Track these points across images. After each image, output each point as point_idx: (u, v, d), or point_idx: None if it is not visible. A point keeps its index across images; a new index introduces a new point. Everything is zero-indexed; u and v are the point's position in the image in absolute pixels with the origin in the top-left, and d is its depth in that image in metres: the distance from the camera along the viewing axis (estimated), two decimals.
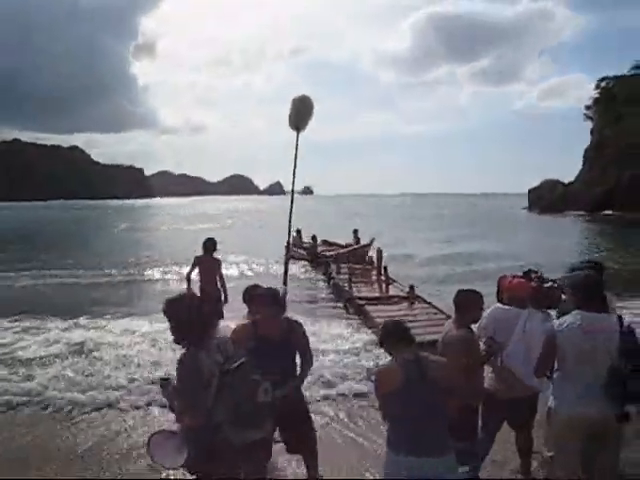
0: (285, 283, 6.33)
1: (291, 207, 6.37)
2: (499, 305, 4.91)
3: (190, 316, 3.39)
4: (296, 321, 4.63)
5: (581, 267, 4.99)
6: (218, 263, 9.42)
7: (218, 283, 9.25)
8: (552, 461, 4.07)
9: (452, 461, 3.51)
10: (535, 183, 77.29)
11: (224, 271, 9.68)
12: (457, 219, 58.95)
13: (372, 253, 19.53)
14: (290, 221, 6.40)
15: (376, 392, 3.63)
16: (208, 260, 9.37)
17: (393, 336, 3.72)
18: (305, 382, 4.71)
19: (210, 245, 9.45)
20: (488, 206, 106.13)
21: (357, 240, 22.23)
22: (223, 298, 9.32)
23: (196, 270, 9.46)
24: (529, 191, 77.71)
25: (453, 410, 3.66)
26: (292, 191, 6.55)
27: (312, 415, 4.89)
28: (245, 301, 4.93)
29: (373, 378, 3.70)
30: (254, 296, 4.69)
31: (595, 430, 3.88)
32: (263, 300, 4.41)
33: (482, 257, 23.42)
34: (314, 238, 22.24)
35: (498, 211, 79.61)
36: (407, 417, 3.49)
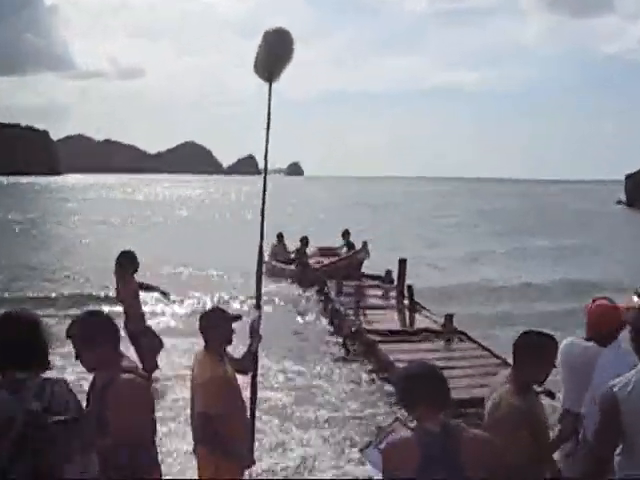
0: (258, 306, 6.36)
1: (263, 196, 6.33)
2: (573, 339, 5.01)
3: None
4: None
5: None
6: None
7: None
8: None
9: None
10: (636, 166, 77.78)
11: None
12: (510, 218, 59.03)
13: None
14: (263, 216, 6.37)
15: (383, 474, 3.66)
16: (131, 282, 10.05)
17: (418, 390, 3.68)
18: None
19: (127, 262, 9.96)
20: (561, 200, 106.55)
21: (349, 246, 22.69)
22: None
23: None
24: (627, 177, 78.11)
25: None
26: (265, 171, 6.55)
27: None
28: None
29: (381, 449, 3.71)
30: None
31: None
32: None
33: (555, 284, 23.55)
34: (304, 241, 22.36)
35: (577, 207, 79.26)
36: None
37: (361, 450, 4.23)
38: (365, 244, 21.34)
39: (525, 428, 4.37)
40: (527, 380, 4.52)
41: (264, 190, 6.30)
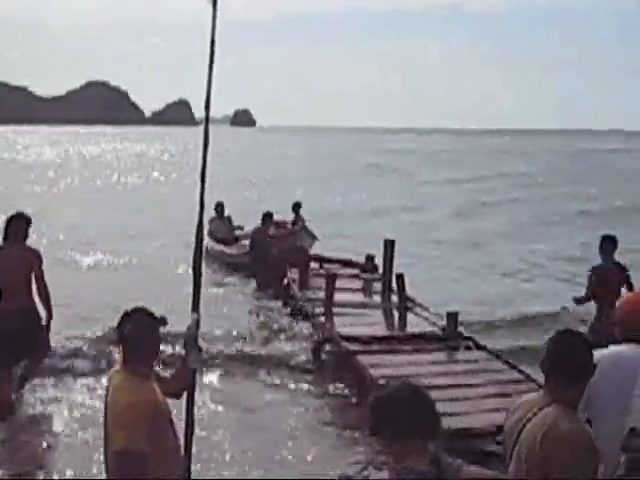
0: (196, 308, 6.35)
1: (204, 154, 6.31)
2: (615, 349, 5.14)
3: None
4: None
5: None
6: (37, 259, 10.90)
7: (35, 292, 10.74)
8: None
9: None
10: None
11: None
12: (536, 182, 60.46)
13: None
14: (203, 181, 6.35)
15: None
16: (16, 253, 10.81)
17: (393, 418, 3.73)
18: None
19: (16, 227, 10.87)
20: (599, 155, 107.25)
21: (296, 221, 23.20)
22: (46, 317, 10.63)
23: None
24: None
25: None
26: (206, 119, 6.53)
27: None
28: None
29: None
30: None
31: None
32: None
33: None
34: (266, 217, 22.53)
35: (617, 163, 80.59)
36: None
37: None
38: (302, 223, 22.02)
39: (594, 464, 4.38)
40: (575, 399, 4.55)
41: (205, 146, 6.27)
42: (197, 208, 6.15)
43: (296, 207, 23.55)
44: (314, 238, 22.04)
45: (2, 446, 9.87)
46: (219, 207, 24.09)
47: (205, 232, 22.52)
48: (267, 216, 21.98)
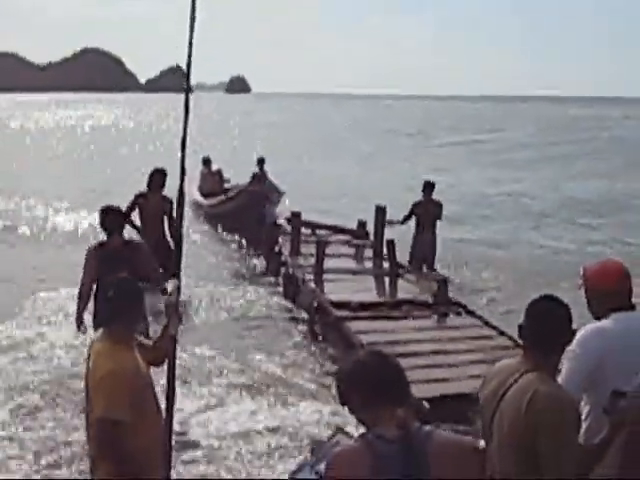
0: (177, 274, 6.33)
1: (185, 119, 6.30)
2: (595, 325, 5.06)
3: None
4: None
5: None
6: (169, 204, 13.96)
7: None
8: None
9: None
10: None
11: None
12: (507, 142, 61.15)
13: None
14: (184, 145, 6.33)
15: None
16: (155, 199, 14.15)
17: (360, 386, 3.70)
18: None
19: (156, 179, 14.39)
20: (599, 120, 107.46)
21: (259, 176, 23.23)
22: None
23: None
24: None
25: None
26: (187, 84, 6.49)
27: None
28: None
29: (321, 468, 3.74)
30: None
31: None
32: None
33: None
34: (259, 172, 22.62)
35: (604, 131, 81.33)
36: None
37: (292, 473, 4.22)
38: (261, 173, 22.54)
39: (577, 428, 4.42)
40: (554, 365, 4.56)
41: (186, 113, 6.25)
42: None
43: (260, 162, 23.95)
44: (280, 192, 22.75)
45: None
46: (206, 162, 24.14)
47: (195, 187, 23.20)
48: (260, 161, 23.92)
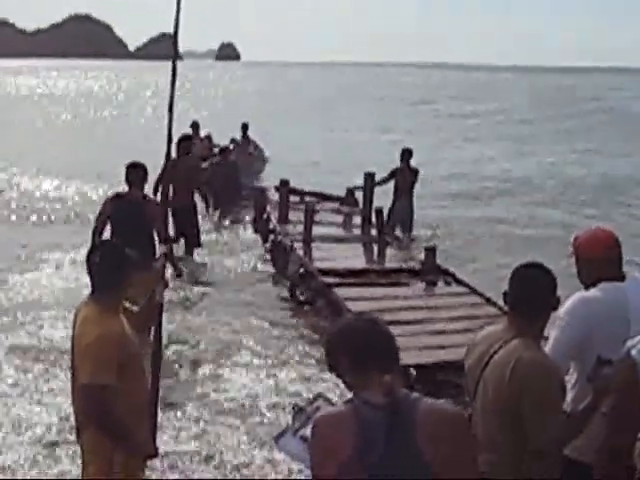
0: (165, 239, 6.34)
1: (172, 86, 6.28)
2: (583, 294, 5.05)
3: None
4: None
5: None
6: (196, 170, 16.42)
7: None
8: None
9: None
10: None
11: None
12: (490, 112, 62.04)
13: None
14: (171, 111, 6.32)
15: (311, 458, 3.68)
16: (184, 165, 15.17)
17: (348, 350, 3.68)
18: None
19: (184, 146, 15.45)
20: (586, 91, 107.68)
21: (245, 143, 23.88)
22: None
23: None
24: None
25: None
26: (175, 51, 6.49)
27: None
28: None
29: (307, 432, 3.73)
30: None
31: None
32: None
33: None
34: (242, 138, 22.63)
35: (592, 101, 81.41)
36: None
37: (275, 440, 4.22)
38: (244, 138, 23.31)
39: (560, 394, 4.45)
40: (538, 332, 4.57)
41: (173, 77, 6.25)
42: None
43: (244, 128, 24.26)
44: (264, 159, 24.19)
45: None
46: (194, 126, 24.07)
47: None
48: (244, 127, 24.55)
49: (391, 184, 17.77)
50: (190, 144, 15.95)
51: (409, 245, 15.73)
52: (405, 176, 17.43)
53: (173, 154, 7.64)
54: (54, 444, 8.07)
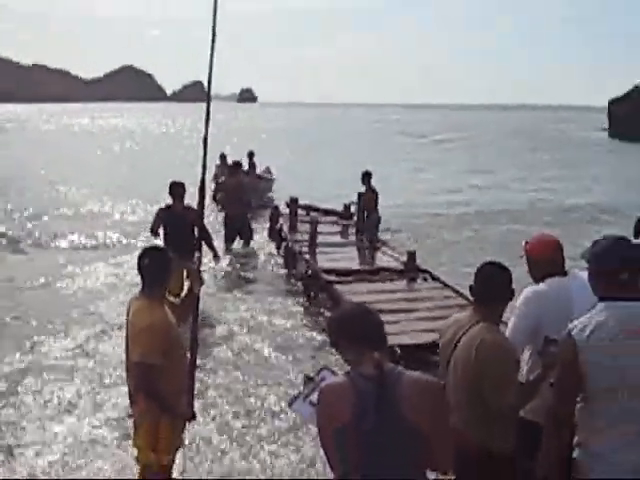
0: (199, 248, 6.36)
1: (206, 123, 6.26)
2: (534, 287, 5.07)
3: None
4: None
5: None
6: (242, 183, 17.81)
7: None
8: None
9: None
10: (620, 91, 77.96)
11: None
12: (485, 147, 60.14)
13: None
14: (205, 144, 6.31)
15: (317, 420, 3.68)
16: (234, 179, 17.60)
17: (346, 333, 3.71)
18: None
19: (238, 162, 18.17)
20: (542, 126, 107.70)
21: (251, 167, 23.48)
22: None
23: None
24: (610, 103, 78.40)
25: (449, 460, 3.69)
26: (208, 95, 6.45)
27: None
28: None
29: (315, 397, 3.75)
30: None
31: None
32: None
33: (524, 209, 24.51)
34: (248, 162, 22.73)
35: (558, 134, 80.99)
36: (352, 465, 3.53)
37: (289, 404, 4.25)
38: (251, 163, 22.75)
39: (515, 369, 4.51)
40: (498, 318, 4.63)
41: (207, 116, 6.22)
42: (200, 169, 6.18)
43: (250, 155, 23.99)
44: (270, 179, 24.18)
45: None
46: (222, 157, 24.10)
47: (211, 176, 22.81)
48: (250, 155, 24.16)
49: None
50: (239, 167, 18.09)
51: (394, 249, 15.64)
52: (369, 197, 16.87)
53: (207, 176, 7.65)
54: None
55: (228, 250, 16.94)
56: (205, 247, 9.87)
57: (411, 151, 55.03)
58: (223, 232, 17.38)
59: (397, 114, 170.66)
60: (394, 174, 33.58)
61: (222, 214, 18.81)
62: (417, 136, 76.17)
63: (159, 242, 11.25)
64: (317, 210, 19.93)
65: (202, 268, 6.09)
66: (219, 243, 15.50)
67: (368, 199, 16.94)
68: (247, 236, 17.46)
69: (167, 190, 11.64)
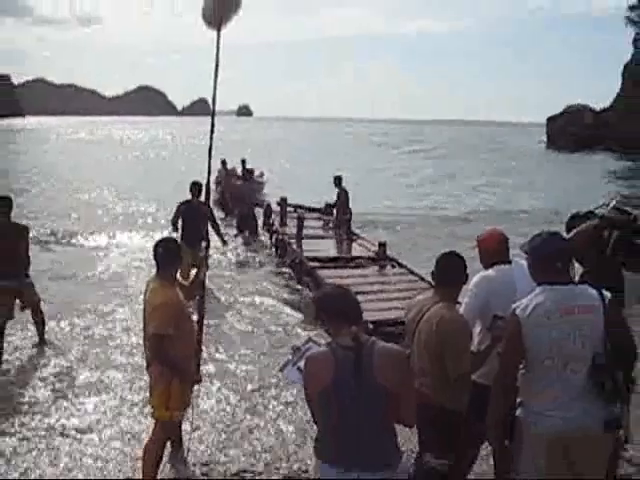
0: (206, 238, 6.37)
1: (211, 135, 6.27)
2: (483, 273, 5.08)
3: None
4: None
5: (583, 217, 5.62)
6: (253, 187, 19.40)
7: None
8: None
9: (396, 475, 3.60)
10: (557, 110, 78.14)
11: None
12: (445, 155, 60.65)
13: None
14: (210, 153, 6.32)
15: (304, 383, 3.72)
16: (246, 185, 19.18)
17: (328, 309, 3.73)
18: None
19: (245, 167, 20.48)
20: (490, 137, 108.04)
21: (245, 173, 22.85)
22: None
23: None
24: (548, 120, 78.56)
25: (413, 416, 3.74)
26: (213, 112, 6.45)
27: None
28: None
29: (302, 364, 3.77)
30: None
31: (579, 445, 3.92)
32: None
33: (474, 206, 24.69)
34: (242, 168, 22.53)
35: (504, 146, 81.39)
36: (333, 422, 3.59)
37: (280, 369, 4.27)
38: (244, 169, 22.16)
39: (469, 340, 4.59)
40: (455, 299, 4.71)
41: (212, 129, 6.24)
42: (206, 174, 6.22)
43: (243, 162, 23.34)
44: (261, 182, 23.24)
45: None
46: (223, 163, 23.89)
47: (213, 179, 22.70)
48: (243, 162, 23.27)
49: None
50: (247, 173, 20.24)
51: (367, 241, 15.57)
52: (341, 197, 17.03)
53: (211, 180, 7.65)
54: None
55: (238, 237, 17.81)
56: (213, 237, 10.23)
57: (391, 159, 55.07)
58: (235, 224, 18.83)
59: (366, 127, 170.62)
60: (361, 176, 33.51)
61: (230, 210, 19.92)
62: (392, 146, 75.92)
63: (175, 235, 11.32)
64: (303, 208, 19.76)
65: (208, 255, 6.10)
66: (229, 231, 16.35)
67: (342, 200, 17.02)
68: (253, 229, 18.32)
69: (177, 190, 11.83)
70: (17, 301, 8.77)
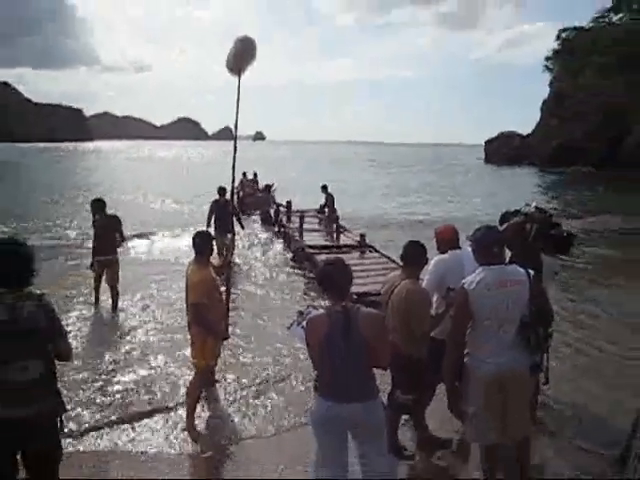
0: (231, 231, 6.34)
1: (234, 154, 6.29)
2: (440, 256, 5.05)
3: None
4: None
5: (512, 214, 5.64)
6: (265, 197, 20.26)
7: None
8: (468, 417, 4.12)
9: (374, 406, 3.61)
10: (493, 134, 78.31)
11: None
12: (409, 169, 60.72)
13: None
14: (234, 167, 6.34)
15: (305, 339, 3.72)
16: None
17: (326, 283, 3.70)
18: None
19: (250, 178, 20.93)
20: (445, 156, 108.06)
21: (255, 183, 23.03)
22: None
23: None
24: (486, 142, 78.71)
25: (387, 362, 3.74)
26: (235, 138, 6.43)
27: None
28: None
29: (304, 324, 3.75)
30: None
31: (511, 384, 3.94)
32: None
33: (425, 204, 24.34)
34: (252, 176, 22.43)
35: (453, 161, 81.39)
36: (328, 366, 3.60)
37: (288, 328, 4.26)
38: (254, 180, 22.65)
39: (429, 307, 4.59)
40: (417, 276, 4.68)
41: (234, 150, 6.25)
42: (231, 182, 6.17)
43: (254, 175, 23.68)
44: (271, 189, 22.53)
45: None
46: (244, 174, 23.70)
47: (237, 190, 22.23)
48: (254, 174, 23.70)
49: None
50: (267, 189, 21.11)
51: (352, 232, 15.47)
52: (328, 200, 17.02)
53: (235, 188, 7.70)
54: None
55: (261, 227, 18.22)
56: (237, 229, 10.56)
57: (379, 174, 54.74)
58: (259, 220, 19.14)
59: (353, 147, 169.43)
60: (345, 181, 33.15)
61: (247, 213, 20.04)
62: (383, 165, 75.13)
63: (209, 229, 11.01)
64: (303, 211, 19.70)
65: (234, 242, 6.07)
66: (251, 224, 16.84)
67: (330, 203, 17.02)
68: (270, 224, 18.13)
69: (209, 194, 11.81)
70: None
